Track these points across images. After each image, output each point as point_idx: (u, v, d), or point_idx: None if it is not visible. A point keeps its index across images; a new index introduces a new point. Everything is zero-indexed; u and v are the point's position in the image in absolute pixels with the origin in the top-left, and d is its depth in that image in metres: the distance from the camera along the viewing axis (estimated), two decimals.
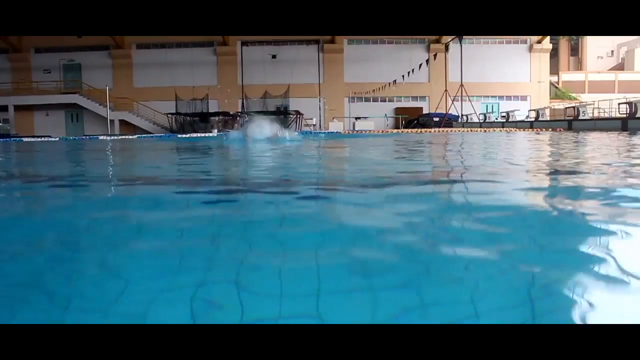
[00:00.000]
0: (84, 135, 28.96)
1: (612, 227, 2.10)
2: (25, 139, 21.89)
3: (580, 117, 22.72)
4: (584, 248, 1.81)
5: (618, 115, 22.51)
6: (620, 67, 48.83)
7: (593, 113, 27.42)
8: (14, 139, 23.98)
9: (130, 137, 24.78)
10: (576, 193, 3.19)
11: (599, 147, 8.34)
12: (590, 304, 1.26)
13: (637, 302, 1.28)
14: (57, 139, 22.51)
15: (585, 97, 40.03)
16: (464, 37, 31.06)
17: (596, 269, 1.52)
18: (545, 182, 3.96)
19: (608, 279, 1.42)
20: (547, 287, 1.39)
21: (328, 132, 26.23)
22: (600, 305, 1.25)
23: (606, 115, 28.66)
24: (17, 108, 35.81)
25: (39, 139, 21.46)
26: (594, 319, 1.17)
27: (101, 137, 22.36)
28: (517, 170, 4.83)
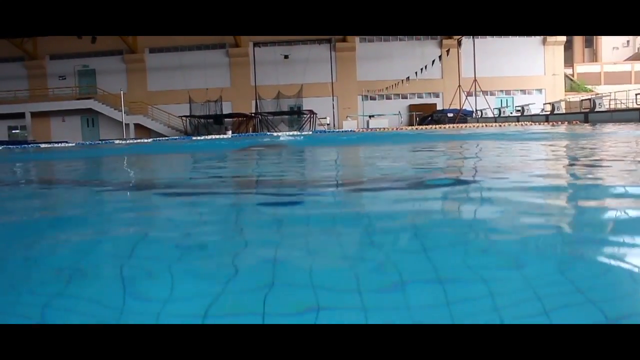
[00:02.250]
0: (100, 140, 29.25)
1: None
2: (42, 145, 22.20)
3: (596, 109, 22.42)
4: None
5: (635, 106, 22.16)
6: (636, 57, 48.04)
7: (609, 105, 27.01)
8: (31, 145, 24.33)
9: (146, 140, 24.96)
10: None
11: None
12: None
13: None
14: (74, 144, 22.78)
15: (601, 89, 39.49)
16: None
17: None
18: None
19: None
20: None
21: (343, 131, 26.15)
22: None
23: (623, 106, 28.24)
24: (34, 115, 36.33)
25: (56, 145, 21.74)
26: None
27: (117, 142, 22.56)
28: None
